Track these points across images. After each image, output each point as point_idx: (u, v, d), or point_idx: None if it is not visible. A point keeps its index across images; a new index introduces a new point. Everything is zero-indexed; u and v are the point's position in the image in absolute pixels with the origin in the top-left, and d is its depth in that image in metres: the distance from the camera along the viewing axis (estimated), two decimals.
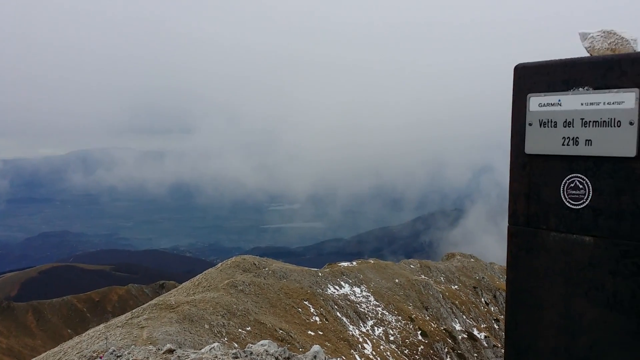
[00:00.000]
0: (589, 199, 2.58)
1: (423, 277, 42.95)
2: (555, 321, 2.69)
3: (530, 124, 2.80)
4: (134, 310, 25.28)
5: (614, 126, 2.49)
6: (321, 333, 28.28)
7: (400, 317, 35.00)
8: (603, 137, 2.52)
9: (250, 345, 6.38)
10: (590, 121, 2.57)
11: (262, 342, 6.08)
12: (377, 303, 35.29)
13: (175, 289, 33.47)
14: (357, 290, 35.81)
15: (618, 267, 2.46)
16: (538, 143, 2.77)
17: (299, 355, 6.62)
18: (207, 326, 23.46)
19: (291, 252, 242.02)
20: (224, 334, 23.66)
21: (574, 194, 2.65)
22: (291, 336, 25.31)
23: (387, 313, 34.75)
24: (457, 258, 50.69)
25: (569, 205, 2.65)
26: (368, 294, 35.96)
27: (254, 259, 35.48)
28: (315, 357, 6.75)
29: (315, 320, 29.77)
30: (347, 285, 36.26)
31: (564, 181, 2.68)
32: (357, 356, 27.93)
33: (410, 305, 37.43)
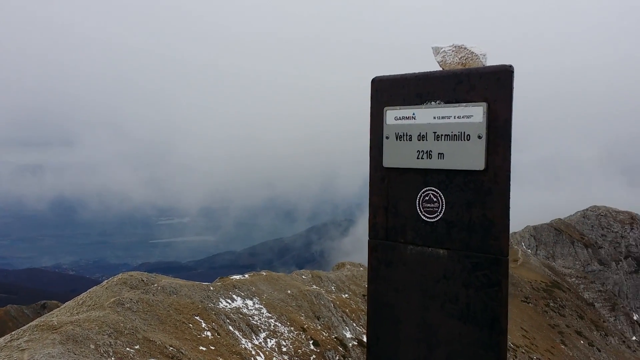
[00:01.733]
0: (443, 212, 2.60)
1: (315, 287, 43.64)
2: (414, 334, 2.71)
3: (387, 137, 2.79)
4: (13, 332, 23.69)
5: (464, 140, 2.50)
6: (213, 348, 28.03)
7: (292, 328, 35.35)
8: (454, 150, 2.54)
9: None
10: (442, 135, 2.58)
11: None
12: (270, 315, 35.45)
13: (58, 309, 31.76)
14: (249, 303, 35.77)
15: (470, 280, 2.49)
16: (395, 156, 2.76)
17: None
18: (92, 346, 22.57)
19: (182, 266, 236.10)
20: (111, 354, 22.87)
21: (428, 207, 2.65)
22: (182, 353, 24.92)
23: (279, 324, 34.98)
24: (347, 267, 51.91)
25: (424, 218, 2.66)
26: (260, 306, 36.03)
27: (142, 275, 34.43)
28: None
29: (207, 335, 29.43)
30: (239, 298, 36.13)
31: (420, 194, 2.69)
32: None
33: (302, 316, 37.89)
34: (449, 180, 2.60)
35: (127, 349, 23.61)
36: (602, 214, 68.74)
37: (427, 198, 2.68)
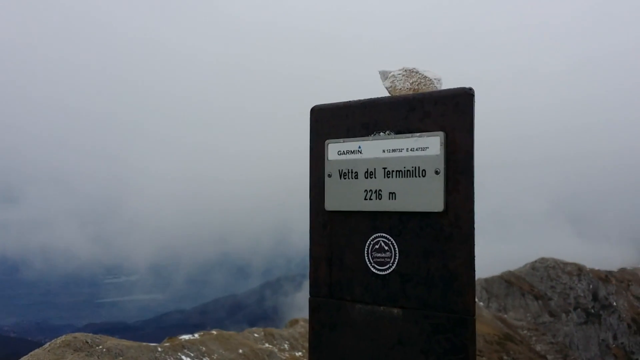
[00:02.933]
0: (396, 262, 2.24)
1: (267, 345, 42.49)
2: None
3: (329, 175, 2.42)
4: None
5: (419, 176, 2.17)
6: None
7: None
8: (407, 189, 2.20)
9: None
10: (393, 171, 2.24)
11: None
12: None
13: None
14: None
15: (430, 345, 2.12)
16: (339, 198, 2.39)
17: None
18: None
19: (129, 327, 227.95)
20: None
21: (379, 258, 2.29)
22: None
23: None
24: (300, 324, 50.99)
25: (374, 271, 2.30)
26: None
27: (86, 336, 32.85)
28: None
29: None
30: (188, 359, 34.77)
31: (368, 242, 2.32)
32: None
33: None
34: (402, 224, 2.25)
35: None
36: (550, 265, 70.10)
37: (377, 246, 2.32)
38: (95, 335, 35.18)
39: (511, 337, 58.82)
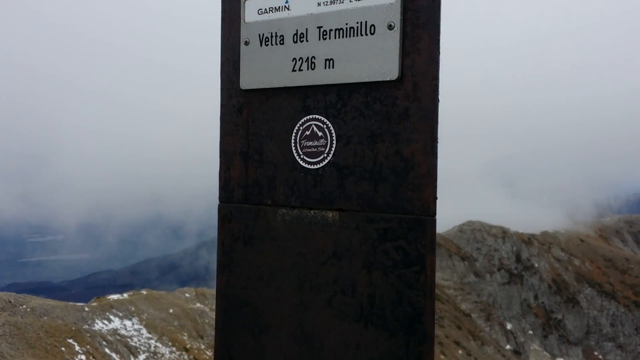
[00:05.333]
0: (332, 152, 1.73)
1: (198, 305, 42.34)
2: (288, 347, 1.82)
3: (246, 43, 1.86)
4: None
5: (366, 34, 1.63)
6: None
7: (174, 349, 33.97)
8: (350, 52, 1.66)
9: None
10: (331, 30, 1.69)
11: None
12: (150, 335, 33.83)
13: None
14: (128, 323, 33.94)
15: (376, 257, 1.65)
16: (258, 72, 1.85)
17: None
18: None
19: (54, 286, 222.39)
20: None
21: (310, 148, 1.78)
22: None
23: (160, 345, 33.46)
24: None
25: (304, 165, 1.79)
26: (140, 326, 34.31)
27: (9, 296, 31.70)
28: None
29: (81, 359, 27.49)
30: (117, 319, 34.18)
31: (297, 128, 1.80)
32: None
33: (185, 335, 36.56)
34: (341, 101, 1.71)
35: None
36: (477, 228, 72.72)
37: (307, 133, 1.78)
38: (18, 295, 33.91)
39: (437, 297, 60.91)
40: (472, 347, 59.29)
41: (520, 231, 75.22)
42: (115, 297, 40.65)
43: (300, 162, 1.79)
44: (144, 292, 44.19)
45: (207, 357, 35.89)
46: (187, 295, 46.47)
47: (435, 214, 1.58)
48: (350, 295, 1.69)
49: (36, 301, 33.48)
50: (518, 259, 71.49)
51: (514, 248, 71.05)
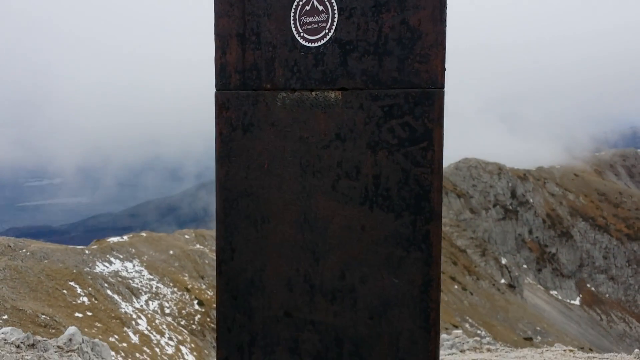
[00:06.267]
0: (334, 28, 1.64)
1: (198, 246, 42.87)
2: (290, 235, 1.77)
3: None
4: None
5: None
6: (90, 314, 26.69)
7: (175, 289, 34.58)
8: None
9: None
10: None
11: (2, 330, 5.40)
12: (151, 277, 34.38)
13: None
14: (129, 265, 34.44)
15: (381, 135, 1.60)
16: None
17: (50, 340, 6.03)
18: None
19: (54, 230, 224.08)
20: None
21: (311, 24, 1.69)
22: (56, 321, 23.42)
23: (161, 286, 34.04)
24: None
25: (304, 43, 1.71)
26: (141, 268, 34.82)
27: (8, 240, 31.99)
28: (70, 339, 6.22)
29: (83, 301, 27.98)
30: (117, 261, 34.66)
31: (296, 3, 1.70)
32: (130, 333, 26.94)
33: (186, 276, 37.17)
34: None
35: None
36: (473, 165, 72.97)
37: (307, 8, 1.68)
38: (18, 239, 34.19)
39: None
40: (468, 282, 60.61)
41: (516, 167, 75.62)
42: (115, 239, 41.09)
43: (300, 41, 1.71)
44: (143, 234, 44.66)
45: (209, 297, 36.64)
46: (186, 236, 47.00)
47: (443, 86, 1.51)
48: (355, 178, 1.64)
49: (36, 245, 33.84)
50: (513, 194, 72.18)
51: (510, 184, 71.63)
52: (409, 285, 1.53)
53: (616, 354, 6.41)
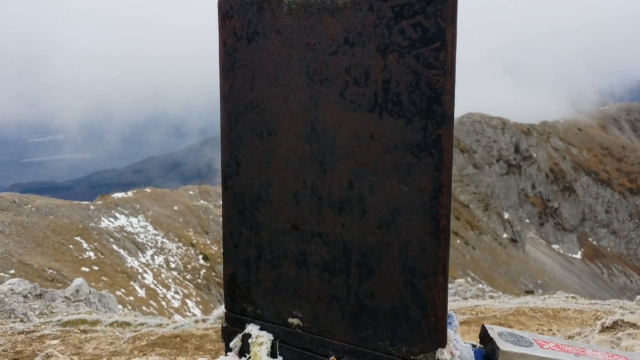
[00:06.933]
0: None
1: (202, 202, 43.09)
2: (297, 145, 1.73)
3: None
4: None
5: None
6: (97, 268, 27.06)
7: (180, 244, 34.92)
8: None
9: None
10: None
11: (9, 280, 5.49)
12: (156, 232, 34.67)
13: None
14: (134, 220, 34.70)
15: (391, 38, 1.51)
16: None
17: (57, 291, 6.13)
18: None
19: (58, 186, 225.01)
20: None
21: None
22: (63, 275, 23.78)
23: (167, 241, 34.37)
24: None
25: None
26: (146, 223, 35.09)
27: (13, 196, 32.18)
28: (77, 290, 6.32)
29: (90, 256, 28.33)
30: (122, 216, 34.89)
31: None
32: (137, 287, 27.36)
33: (191, 231, 37.48)
34: None
35: (1, 274, 22.18)
36: (476, 120, 72.50)
37: None
38: (23, 195, 34.37)
39: None
40: (470, 237, 61.11)
41: (521, 122, 75.17)
42: (119, 195, 41.35)
43: None
44: (147, 190, 44.92)
45: (214, 252, 37.04)
46: (190, 192, 47.24)
47: None
48: (364, 84, 1.58)
49: (41, 201, 34.08)
50: (517, 149, 71.98)
51: (513, 139, 71.32)
52: (419, 192, 1.50)
53: (618, 300, 6.50)
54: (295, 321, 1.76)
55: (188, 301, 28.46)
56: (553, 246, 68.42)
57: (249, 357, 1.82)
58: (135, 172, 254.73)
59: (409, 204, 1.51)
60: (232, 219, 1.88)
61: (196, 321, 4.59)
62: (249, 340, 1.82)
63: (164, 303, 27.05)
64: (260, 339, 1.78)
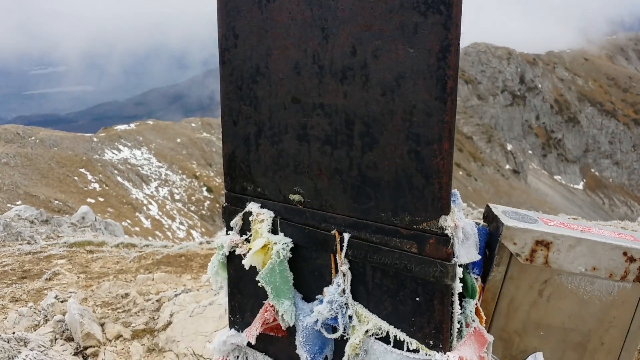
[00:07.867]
0: None
1: (205, 134, 43.07)
2: (297, 10, 1.64)
3: None
4: None
5: None
6: (102, 199, 27.39)
7: (184, 176, 35.16)
8: None
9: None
10: None
11: (15, 207, 5.59)
12: (160, 164, 34.85)
13: None
14: (137, 153, 34.82)
15: None
16: None
17: (63, 217, 6.25)
18: None
19: (61, 118, 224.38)
20: None
21: None
22: (69, 206, 24.12)
23: (170, 173, 34.61)
24: None
25: None
26: (150, 155, 35.22)
27: (17, 128, 32.21)
28: (83, 217, 6.44)
29: (95, 188, 28.61)
30: (126, 148, 34.99)
31: None
32: (142, 218, 27.77)
33: (194, 164, 37.66)
34: None
35: (9, 205, 22.51)
36: (482, 50, 71.25)
37: None
38: (26, 127, 34.39)
39: None
40: (472, 168, 61.25)
41: (527, 52, 73.81)
42: (122, 127, 41.27)
43: None
44: (150, 122, 44.76)
45: (217, 184, 37.28)
46: (193, 125, 47.09)
47: None
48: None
49: (44, 133, 34.09)
50: (522, 80, 71.00)
51: (519, 69, 70.24)
52: (426, 53, 1.42)
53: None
54: (296, 197, 1.76)
55: (193, 232, 28.93)
56: (555, 177, 68.67)
57: (250, 235, 1.85)
58: (137, 104, 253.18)
59: (415, 67, 1.45)
60: (231, 95, 1.83)
61: (200, 242, 4.69)
62: (250, 219, 1.84)
63: (169, 234, 27.52)
64: (261, 217, 1.80)
